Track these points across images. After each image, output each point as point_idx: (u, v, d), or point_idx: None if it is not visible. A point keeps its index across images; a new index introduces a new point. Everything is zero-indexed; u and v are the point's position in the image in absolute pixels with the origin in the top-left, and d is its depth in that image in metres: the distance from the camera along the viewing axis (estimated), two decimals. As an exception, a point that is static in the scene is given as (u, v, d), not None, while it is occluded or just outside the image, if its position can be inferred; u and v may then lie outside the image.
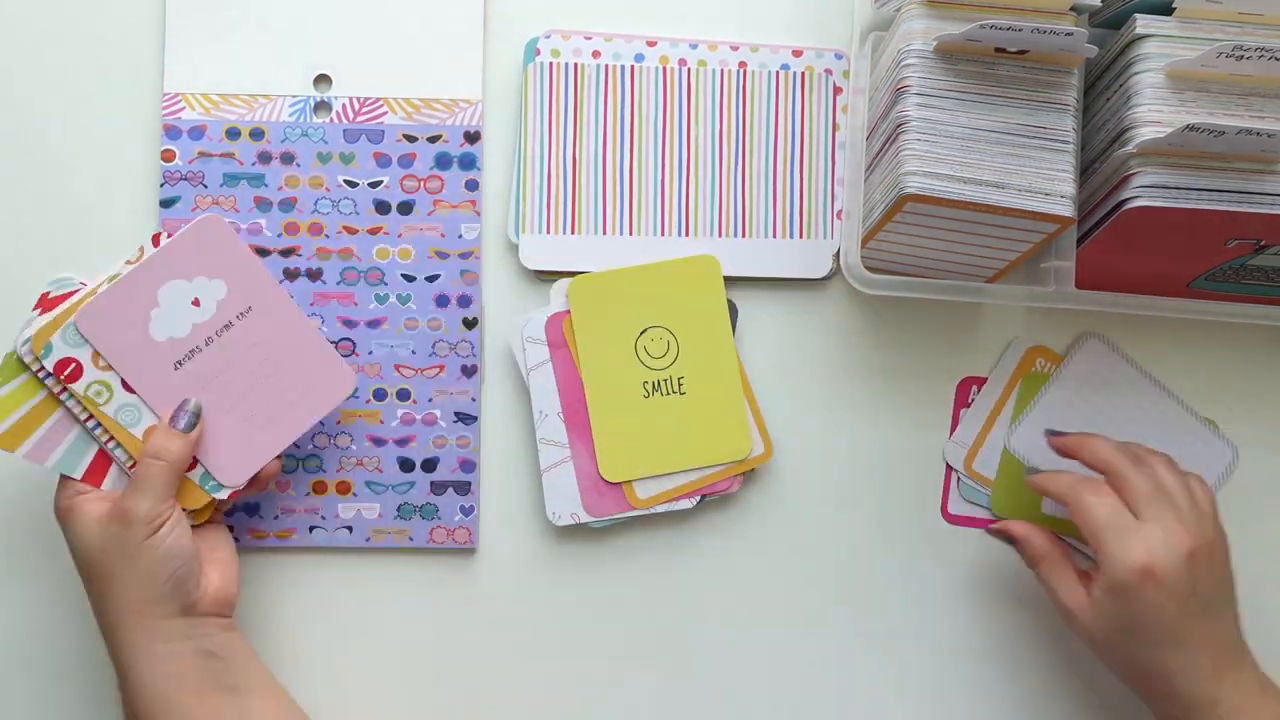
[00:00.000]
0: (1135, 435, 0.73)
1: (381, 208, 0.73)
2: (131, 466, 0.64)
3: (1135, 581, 0.62)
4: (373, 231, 0.73)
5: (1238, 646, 0.65)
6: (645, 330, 0.73)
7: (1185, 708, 0.63)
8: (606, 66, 0.74)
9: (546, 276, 0.74)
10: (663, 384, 0.72)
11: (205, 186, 0.72)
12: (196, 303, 0.65)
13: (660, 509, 0.72)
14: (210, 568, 0.65)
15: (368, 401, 0.72)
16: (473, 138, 0.73)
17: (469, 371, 0.73)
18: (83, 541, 0.63)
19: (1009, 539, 0.68)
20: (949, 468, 0.74)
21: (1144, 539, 0.62)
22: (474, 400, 0.73)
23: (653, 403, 0.72)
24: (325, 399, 0.68)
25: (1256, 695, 0.63)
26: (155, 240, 0.67)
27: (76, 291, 0.65)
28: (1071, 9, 0.65)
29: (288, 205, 0.72)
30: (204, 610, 0.64)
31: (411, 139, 0.73)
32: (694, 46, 0.74)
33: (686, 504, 0.72)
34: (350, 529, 0.72)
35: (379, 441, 0.72)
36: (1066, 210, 0.64)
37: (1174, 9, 0.65)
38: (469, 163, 0.73)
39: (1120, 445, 0.67)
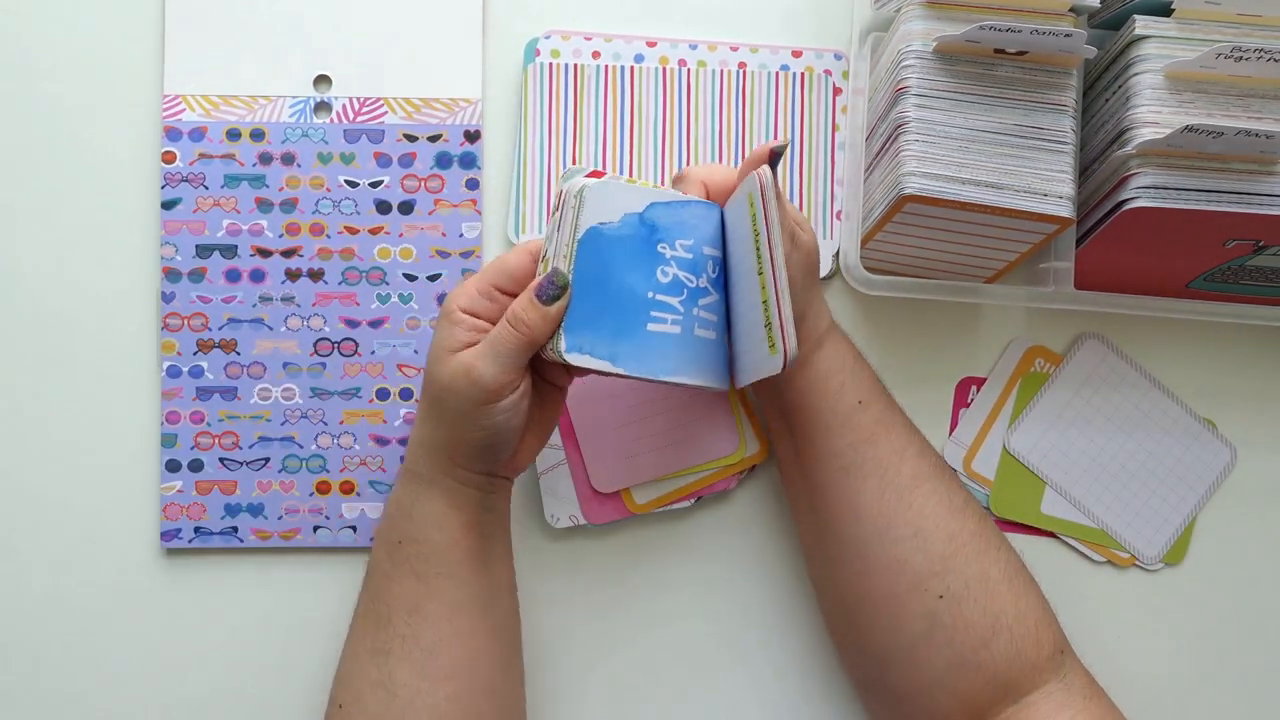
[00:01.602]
0: (1135, 435, 0.74)
1: (382, 207, 0.73)
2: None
3: (806, 222, 0.65)
4: (374, 231, 0.73)
5: None
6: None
7: (828, 319, 0.67)
8: (606, 67, 0.74)
9: (547, 276, 0.74)
10: None
11: (206, 188, 0.72)
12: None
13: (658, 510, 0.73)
14: (531, 439, 0.65)
15: (370, 401, 0.73)
16: (473, 137, 0.73)
17: (470, 371, 0.73)
18: (437, 363, 0.61)
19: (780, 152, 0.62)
20: (948, 467, 0.75)
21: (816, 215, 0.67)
22: (476, 400, 0.73)
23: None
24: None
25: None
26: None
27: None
28: (1071, 10, 0.64)
29: (289, 206, 0.73)
30: (504, 473, 0.65)
31: (412, 139, 0.73)
32: (694, 47, 0.74)
33: (684, 503, 0.73)
34: (354, 529, 0.73)
35: (382, 441, 0.73)
36: (1065, 211, 0.64)
37: (1173, 10, 0.65)
38: (469, 162, 0.73)
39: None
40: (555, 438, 0.72)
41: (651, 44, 0.74)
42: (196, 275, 0.72)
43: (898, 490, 0.65)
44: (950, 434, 0.75)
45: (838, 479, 0.66)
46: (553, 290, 0.60)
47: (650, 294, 0.61)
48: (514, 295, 0.61)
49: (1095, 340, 0.75)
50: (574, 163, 0.74)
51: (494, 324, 0.61)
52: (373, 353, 0.73)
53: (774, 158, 0.59)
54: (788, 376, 0.65)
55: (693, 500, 0.73)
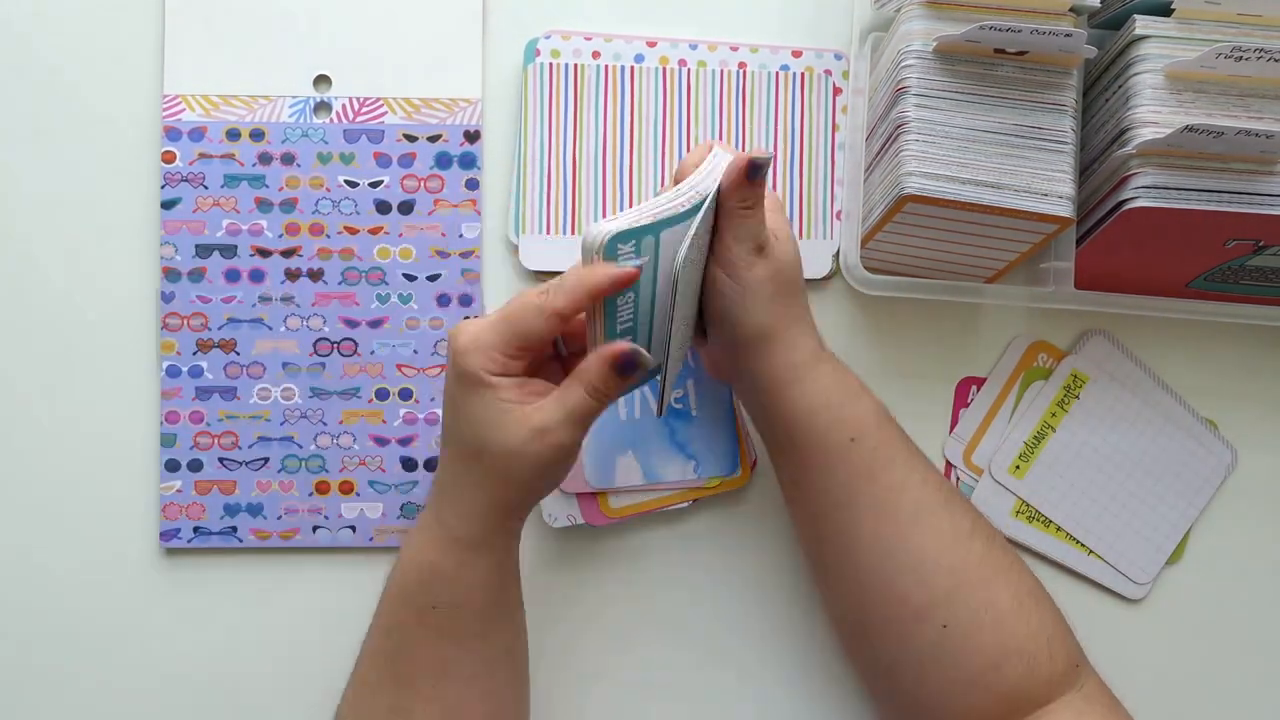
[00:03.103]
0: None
1: (382, 207, 0.73)
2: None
3: (790, 237, 0.64)
4: (373, 231, 0.73)
5: None
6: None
7: (813, 348, 0.64)
8: (606, 67, 0.74)
9: (546, 277, 0.74)
10: None
11: (206, 188, 0.72)
12: None
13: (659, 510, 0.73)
14: None
15: (370, 401, 0.73)
16: (472, 137, 0.73)
17: (470, 371, 0.73)
18: (495, 429, 0.59)
19: (762, 166, 0.61)
20: (949, 467, 0.74)
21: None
22: (475, 400, 0.73)
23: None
24: None
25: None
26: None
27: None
28: (1071, 9, 0.64)
29: (289, 206, 0.73)
30: (525, 514, 0.64)
31: (411, 139, 0.73)
32: (694, 47, 0.74)
33: (682, 504, 0.73)
34: (354, 529, 0.72)
35: (381, 441, 0.73)
36: (1065, 211, 0.64)
37: (1173, 10, 0.65)
38: (469, 162, 0.73)
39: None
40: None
41: (651, 44, 0.74)
42: (196, 275, 0.72)
43: (896, 525, 0.63)
44: (951, 431, 0.75)
45: (833, 513, 0.64)
46: (633, 369, 0.59)
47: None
48: (533, 350, 0.60)
49: (1101, 338, 0.75)
50: (573, 163, 0.74)
51: (527, 374, 0.60)
52: (372, 353, 0.73)
53: (752, 169, 0.59)
54: (769, 407, 0.64)
55: (690, 500, 0.73)
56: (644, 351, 0.59)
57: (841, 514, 0.64)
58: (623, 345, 0.59)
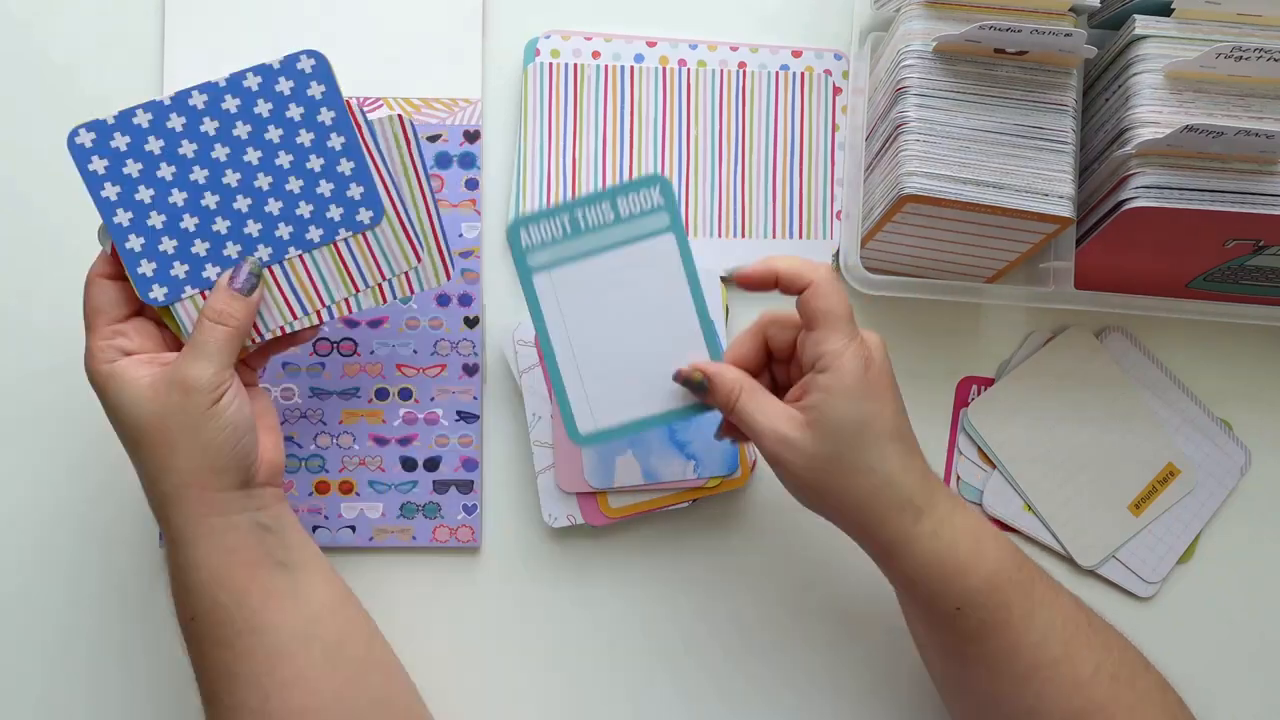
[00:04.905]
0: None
1: (382, 208, 0.73)
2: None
3: (864, 374, 0.58)
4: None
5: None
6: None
7: (908, 514, 0.59)
8: (606, 67, 0.74)
9: (547, 276, 0.74)
10: None
11: (206, 187, 0.72)
12: None
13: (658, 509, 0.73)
14: (264, 434, 0.62)
15: (370, 401, 0.73)
16: (472, 137, 0.73)
17: (470, 370, 0.73)
18: (134, 410, 0.59)
19: (699, 381, 0.61)
20: (949, 466, 0.74)
21: (867, 333, 0.60)
22: (476, 399, 0.73)
23: None
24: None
25: (956, 498, 0.62)
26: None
27: None
28: (1071, 9, 0.65)
29: (289, 206, 0.73)
30: (261, 480, 0.61)
31: (412, 139, 0.73)
32: (694, 47, 0.74)
33: (682, 504, 0.73)
34: (353, 528, 0.72)
35: (381, 441, 0.73)
36: (1065, 211, 0.64)
37: (1173, 10, 0.65)
38: (469, 162, 0.73)
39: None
40: (551, 436, 0.72)
41: (651, 44, 0.74)
42: (196, 275, 0.72)
43: (1011, 679, 0.61)
44: (950, 433, 0.75)
45: (944, 660, 0.64)
46: (250, 281, 0.61)
47: None
48: (115, 322, 0.61)
49: (1119, 335, 0.75)
50: (573, 163, 0.74)
51: (146, 351, 0.61)
52: (372, 352, 0.73)
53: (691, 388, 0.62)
54: (883, 565, 0.62)
55: (689, 503, 0.73)
56: (254, 259, 0.62)
57: (952, 662, 0.64)
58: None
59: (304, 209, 0.62)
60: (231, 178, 0.62)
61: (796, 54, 0.75)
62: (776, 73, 0.74)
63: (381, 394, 0.73)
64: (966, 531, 0.60)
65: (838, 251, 0.74)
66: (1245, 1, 0.64)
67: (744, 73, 0.74)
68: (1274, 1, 0.65)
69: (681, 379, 0.62)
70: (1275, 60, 0.62)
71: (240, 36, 0.73)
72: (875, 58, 0.71)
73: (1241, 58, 0.62)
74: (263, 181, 0.62)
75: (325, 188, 0.62)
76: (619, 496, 0.72)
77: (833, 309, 0.59)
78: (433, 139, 0.73)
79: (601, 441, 0.63)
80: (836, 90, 0.75)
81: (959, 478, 0.74)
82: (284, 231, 0.62)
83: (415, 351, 0.73)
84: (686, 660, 0.73)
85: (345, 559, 0.73)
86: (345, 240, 0.63)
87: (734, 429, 0.63)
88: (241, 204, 0.62)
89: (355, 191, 0.63)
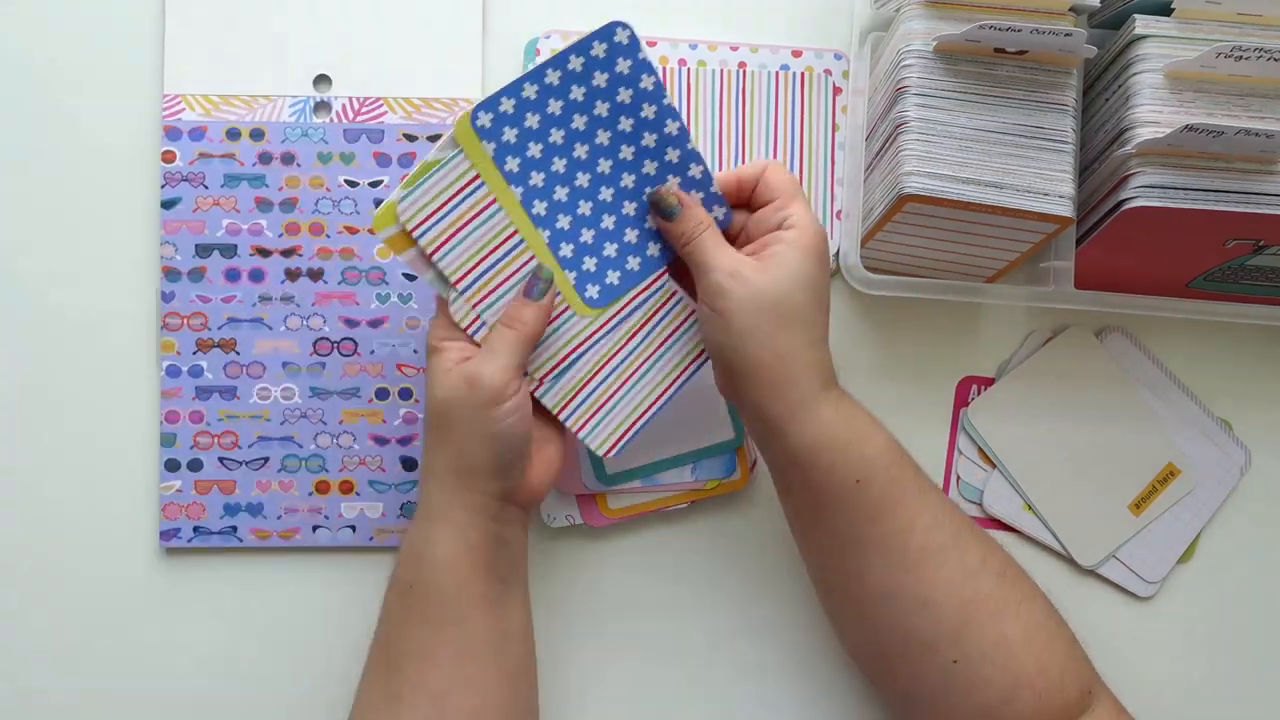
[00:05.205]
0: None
1: (382, 208, 0.73)
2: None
3: (820, 245, 0.62)
4: (374, 231, 0.73)
5: None
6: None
7: (818, 379, 0.62)
8: (606, 67, 0.74)
9: (547, 276, 0.74)
10: None
11: (206, 187, 0.72)
12: None
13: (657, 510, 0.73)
14: (537, 464, 0.64)
15: (370, 401, 0.73)
16: (473, 137, 0.73)
17: (470, 371, 0.73)
18: (435, 388, 0.61)
19: (671, 206, 0.63)
20: (949, 466, 0.74)
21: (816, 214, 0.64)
22: (475, 400, 0.73)
23: None
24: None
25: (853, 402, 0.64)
26: None
27: None
28: (1071, 9, 0.65)
29: (289, 205, 0.73)
30: (518, 502, 0.63)
31: (411, 138, 0.73)
32: (694, 46, 0.74)
33: (681, 505, 0.73)
34: (353, 528, 0.72)
35: (381, 441, 0.73)
36: (1065, 210, 0.64)
37: (1173, 9, 0.65)
38: (469, 162, 0.73)
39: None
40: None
41: (651, 44, 0.74)
42: (196, 275, 0.72)
43: (904, 565, 0.62)
44: (951, 433, 0.75)
45: (838, 552, 0.64)
46: (541, 286, 0.62)
47: None
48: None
49: (1120, 335, 0.75)
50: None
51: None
52: (372, 352, 0.73)
53: (660, 211, 0.64)
54: (769, 443, 0.63)
55: (688, 505, 0.73)
56: (544, 265, 0.63)
57: (847, 554, 0.63)
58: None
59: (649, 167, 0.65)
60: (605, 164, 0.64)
61: (796, 54, 0.75)
62: (776, 73, 0.74)
63: (382, 394, 0.73)
64: (860, 407, 0.63)
65: (838, 251, 0.74)
66: (1245, 1, 0.64)
67: (744, 72, 0.74)
68: (1274, 1, 0.65)
69: (655, 198, 0.64)
70: (1275, 60, 0.62)
71: (241, 37, 0.73)
72: (875, 58, 0.71)
73: (1241, 57, 0.62)
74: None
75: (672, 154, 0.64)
76: (618, 497, 0.72)
77: (793, 185, 0.63)
78: (433, 139, 0.73)
79: (622, 482, 0.70)
80: (836, 90, 0.75)
81: (959, 478, 0.74)
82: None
83: (416, 351, 0.73)
84: (685, 661, 0.73)
85: (345, 559, 0.73)
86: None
87: (663, 199, 0.64)
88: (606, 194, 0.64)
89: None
